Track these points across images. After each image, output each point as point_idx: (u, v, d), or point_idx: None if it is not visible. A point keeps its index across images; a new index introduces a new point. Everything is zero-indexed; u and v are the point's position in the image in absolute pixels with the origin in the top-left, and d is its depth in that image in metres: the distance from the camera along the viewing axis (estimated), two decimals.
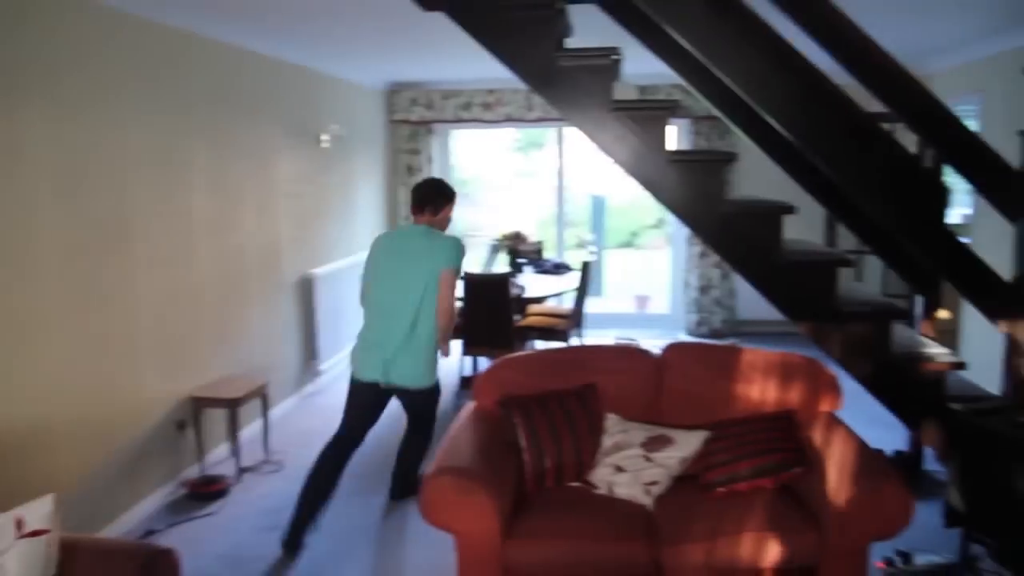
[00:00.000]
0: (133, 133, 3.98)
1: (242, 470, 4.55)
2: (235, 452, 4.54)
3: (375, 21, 4.63)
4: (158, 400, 4.21)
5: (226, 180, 4.87)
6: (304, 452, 4.88)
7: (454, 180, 8.67)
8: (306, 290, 6.01)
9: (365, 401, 3.82)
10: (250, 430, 4.93)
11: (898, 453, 4.39)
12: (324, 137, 6.28)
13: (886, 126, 3.52)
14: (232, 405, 4.44)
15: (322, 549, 3.73)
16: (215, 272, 4.75)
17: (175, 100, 4.33)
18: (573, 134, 7.94)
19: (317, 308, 6.07)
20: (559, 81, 3.24)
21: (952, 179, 3.90)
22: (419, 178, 7.90)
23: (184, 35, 4.41)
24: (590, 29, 3.86)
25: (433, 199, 3.89)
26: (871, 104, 3.31)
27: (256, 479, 4.53)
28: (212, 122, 4.70)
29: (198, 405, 4.43)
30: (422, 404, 3.97)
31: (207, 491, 4.27)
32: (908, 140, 4.17)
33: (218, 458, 4.67)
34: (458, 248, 3.81)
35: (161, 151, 4.21)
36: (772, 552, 2.77)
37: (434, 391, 3.95)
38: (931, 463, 4.32)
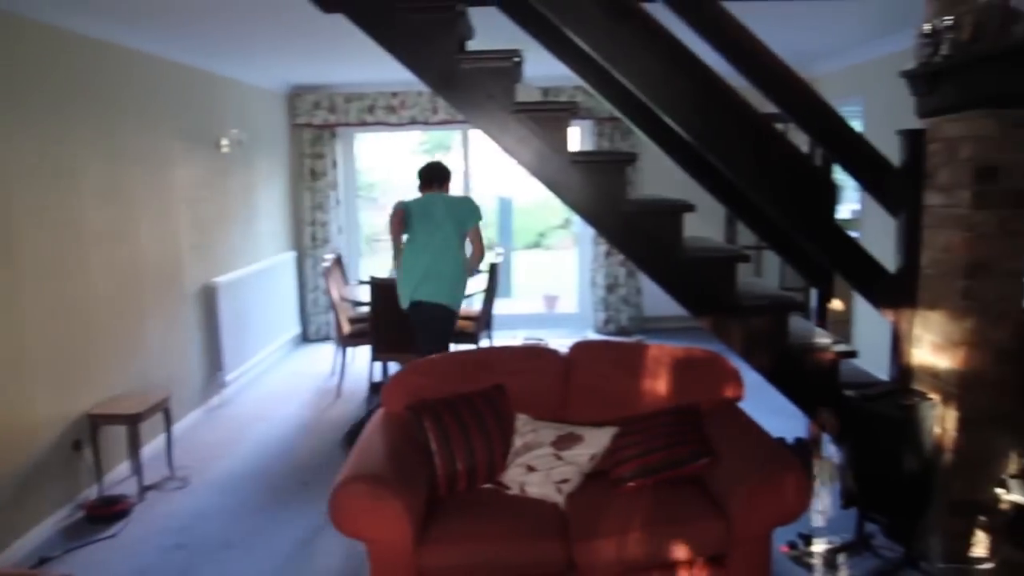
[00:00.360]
0: (14, 139, 3.77)
1: (145, 488, 4.38)
2: (137, 470, 4.36)
3: (273, 21, 4.54)
4: (51, 419, 4.01)
5: (119, 187, 4.67)
6: (211, 465, 4.75)
7: (359, 184, 8.62)
8: (209, 299, 5.82)
9: (419, 321, 4.83)
10: (153, 446, 4.75)
11: (798, 440, 4.56)
12: (224, 142, 6.11)
13: (779, 126, 3.67)
14: (132, 421, 4.27)
15: (233, 564, 3.62)
16: (110, 283, 4.55)
17: (61, 104, 4.13)
18: (478, 136, 7.94)
19: (221, 318, 5.89)
20: (461, 83, 3.25)
21: (841, 176, 4.08)
22: (324, 182, 7.86)
23: (70, 36, 4.20)
24: (492, 32, 3.88)
25: (438, 178, 4.99)
26: (765, 106, 3.44)
27: (160, 497, 4.37)
28: (102, 127, 4.50)
29: (95, 422, 4.24)
30: (439, 322, 4.79)
31: (107, 512, 4.08)
32: (800, 140, 4.36)
33: (119, 477, 4.48)
34: (476, 206, 4.88)
35: (46, 158, 4.00)
36: (681, 543, 2.83)
37: (452, 315, 4.85)
38: (829, 449, 4.51)
